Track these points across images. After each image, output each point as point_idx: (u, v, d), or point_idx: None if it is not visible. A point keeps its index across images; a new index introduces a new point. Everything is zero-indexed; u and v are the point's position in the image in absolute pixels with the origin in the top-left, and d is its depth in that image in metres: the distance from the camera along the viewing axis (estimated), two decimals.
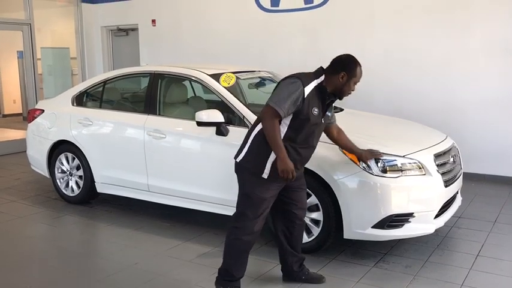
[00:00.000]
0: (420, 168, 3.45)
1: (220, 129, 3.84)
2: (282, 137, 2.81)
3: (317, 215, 3.53)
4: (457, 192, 4.02)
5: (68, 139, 4.87)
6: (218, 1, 7.57)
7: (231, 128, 3.87)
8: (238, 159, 2.96)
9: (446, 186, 3.59)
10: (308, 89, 2.80)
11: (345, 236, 3.45)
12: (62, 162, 5.01)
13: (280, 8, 7.01)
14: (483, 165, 5.75)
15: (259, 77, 4.83)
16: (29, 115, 5.42)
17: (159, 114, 4.39)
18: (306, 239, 3.50)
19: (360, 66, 2.89)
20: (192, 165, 4.11)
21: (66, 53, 9.66)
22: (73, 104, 5.01)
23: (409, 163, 3.42)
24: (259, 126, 2.87)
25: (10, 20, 8.03)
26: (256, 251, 3.64)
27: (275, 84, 4.70)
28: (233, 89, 4.25)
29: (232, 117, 3.94)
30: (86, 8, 8.91)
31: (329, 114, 3.02)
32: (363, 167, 3.35)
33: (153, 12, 8.28)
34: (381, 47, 6.23)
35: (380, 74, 6.03)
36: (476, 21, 5.65)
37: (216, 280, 3.04)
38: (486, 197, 5.15)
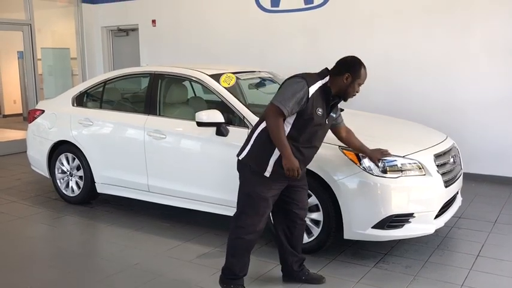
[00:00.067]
0: (420, 168, 3.45)
1: (220, 130, 3.84)
2: (285, 136, 2.81)
3: (317, 215, 3.53)
4: (457, 193, 4.02)
5: (68, 139, 4.88)
6: (218, 1, 7.58)
7: (231, 128, 3.87)
8: (240, 157, 2.97)
9: (446, 186, 3.59)
10: (312, 89, 2.81)
11: (345, 237, 3.45)
12: (62, 163, 5.01)
13: (280, 8, 7.01)
14: (483, 166, 5.74)
15: (260, 78, 4.84)
16: (29, 115, 5.42)
17: (159, 115, 4.39)
18: (306, 239, 3.50)
19: (365, 67, 2.90)
20: (192, 165, 4.11)
21: (67, 53, 9.66)
22: (73, 105, 5.01)
23: (409, 163, 3.42)
24: (263, 125, 2.88)
25: (10, 20, 8.04)
26: (256, 251, 3.64)
27: (275, 85, 4.77)
28: (233, 90, 4.25)
29: (232, 118, 3.94)
30: (86, 9, 8.92)
31: (334, 115, 3.03)
32: (363, 167, 3.35)
33: (153, 13, 8.28)
34: (381, 47, 6.23)
35: (380, 74, 6.03)
36: (476, 21, 5.65)
37: (220, 279, 3.06)
38: (486, 197, 5.15)
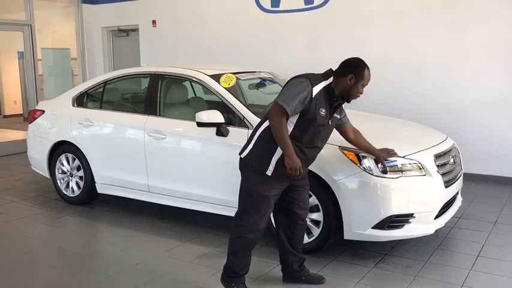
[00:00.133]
0: (420, 168, 3.45)
1: (221, 130, 3.84)
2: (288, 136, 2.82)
3: (317, 216, 3.53)
4: (458, 193, 4.02)
5: (68, 140, 4.88)
6: (218, 2, 7.58)
7: (231, 128, 3.87)
8: (242, 155, 2.98)
9: (446, 186, 3.58)
10: (316, 89, 2.82)
11: (345, 237, 3.45)
12: (62, 163, 5.01)
13: (280, 8, 7.01)
14: (483, 166, 5.74)
15: (260, 78, 4.84)
16: (30, 116, 5.42)
17: (160, 115, 4.39)
18: (306, 239, 3.50)
19: (368, 69, 2.91)
20: (192, 165, 4.11)
21: (67, 53, 9.67)
22: (73, 105, 5.01)
23: (409, 164, 3.42)
24: (266, 124, 2.89)
25: (11, 20, 8.04)
26: (256, 251, 3.64)
27: (275, 85, 4.77)
28: (233, 90, 4.25)
29: (232, 118, 3.94)
30: (87, 9, 8.93)
31: (338, 116, 3.03)
32: (363, 167, 3.35)
33: (154, 13, 8.29)
34: (381, 48, 6.23)
35: (380, 75, 6.00)
36: (476, 21, 5.65)
37: (222, 277, 3.07)
38: (486, 197, 5.15)
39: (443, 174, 3.57)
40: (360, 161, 3.37)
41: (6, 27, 7.98)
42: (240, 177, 3.03)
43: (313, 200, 3.50)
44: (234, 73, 4.34)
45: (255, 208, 2.92)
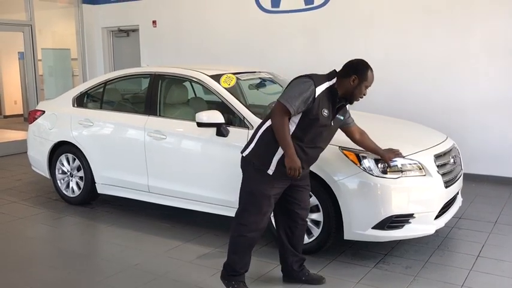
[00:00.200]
0: (420, 169, 3.45)
1: (221, 130, 3.84)
2: (290, 135, 2.82)
3: (317, 216, 3.53)
4: (458, 193, 4.01)
5: (68, 140, 4.88)
6: (218, 2, 7.58)
7: (231, 128, 3.87)
8: (244, 154, 2.98)
9: (446, 187, 3.58)
10: (319, 90, 2.82)
11: (345, 237, 3.45)
12: (62, 163, 5.02)
13: (280, 8, 7.01)
14: (484, 166, 5.74)
15: (260, 78, 4.84)
16: (30, 116, 5.43)
17: (160, 115, 4.39)
18: (306, 239, 3.50)
19: (372, 70, 2.91)
20: (192, 166, 4.11)
21: (67, 54, 9.67)
22: (74, 105, 5.02)
23: (409, 164, 3.42)
24: (268, 123, 2.90)
25: (11, 21, 8.05)
26: (256, 251, 3.64)
27: (275, 85, 4.77)
28: (233, 90, 4.26)
29: (232, 118, 3.94)
30: (87, 9, 8.93)
31: (341, 117, 3.03)
32: (363, 167, 3.35)
33: (154, 13, 8.29)
34: (381, 48, 6.23)
35: (380, 75, 5.94)
36: (476, 21, 5.65)
37: (222, 274, 3.08)
38: (487, 197, 5.15)
39: (443, 175, 3.57)
40: (360, 161, 3.37)
41: (6, 28, 7.99)
42: (241, 178, 3.04)
43: (313, 200, 3.50)
44: (234, 73, 4.34)
45: (255, 207, 2.92)
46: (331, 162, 3.40)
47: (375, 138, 3.36)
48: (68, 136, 4.88)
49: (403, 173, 3.38)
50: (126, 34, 8.98)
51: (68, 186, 5.02)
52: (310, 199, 3.46)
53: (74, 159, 4.91)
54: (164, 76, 4.51)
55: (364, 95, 2.94)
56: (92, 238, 4.35)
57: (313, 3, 6.71)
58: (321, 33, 6.69)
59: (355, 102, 3.00)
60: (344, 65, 2.95)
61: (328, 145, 3.31)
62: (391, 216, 3.34)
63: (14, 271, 3.51)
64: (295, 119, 2.84)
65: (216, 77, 4.19)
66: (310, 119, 2.83)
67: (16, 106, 11.33)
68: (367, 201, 3.35)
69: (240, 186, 3.04)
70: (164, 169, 4.29)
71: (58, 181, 5.07)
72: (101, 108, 4.96)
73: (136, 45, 8.64)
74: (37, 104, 6.49)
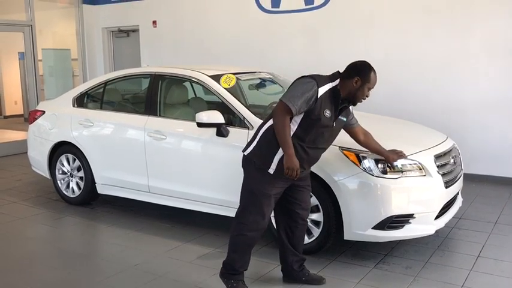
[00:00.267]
0: (420, 169, 3.45)
1: (221, 130, 3.84)
2: (291, 135, 2.83)
3: (317, 216, 3.53)
4: (458, 193, 4.01)
5: (68, 140, 4.88)
6: (219, 2, 7.58)
7: (231, 129, 3.87)
8: (246, 152, 2.99)
9: (446, 187, 3.58)
10: (322, 90, 2.83)
11: (345, 237, 3.44)
12: (62, 164, 5.02)
13: (280, 8, 7.02)
14: (484, 166, 5.74)
15: (260, 78, 4.83)
16: (30, 116, 5.43)
17: (160, 116, 4.39)
18: (306, 240, 3.49)
19: (375, 72, 2.92)
20: (192, 166, 4.11)
21: (67, 54, 9.68)
22: (74, 105, 5.02)
23: (410, 164, 3.42)
24: (270, 122, 2.91)
25: (11, 21, 8.05)
26: (257, 252, 3.64)
27: (275, 85, 4.77)
28: (233, 90, 4.26)
29: (232, 118, 3.94)
30: (87, 10, 8.93)
31: (344, 119, 3.04)
32: (363, 168, 3.35)
33: (154, 14, 8.29)
34: (381, 48, 6.23)
35: (380, 75, 5.90)
36: (476, 21, 5.65)
37: (221, 272, 3.09)
38: (487, 198, 5.14)
39: (443, 175, 3.57)
40: (360, 161, 3.37)
41: (7, 28, 7.99)
42: (241, 178, 3.04)
43: (314, 201, 3.50)
44: (234, 73, 4.34)
45: (255, 206, 2.93)
46: (331, 162, 3.40)
47: (375, 139, 3.36)
48: (68, 136, 4.88)
49: (403, 173, 3.38)
50: (126, 34, 8.98)
51: (68, 186, 5.02)
52: (310, 199, 3.47)
53: (74, 160, 4.91)
54: (164, 76, 4.51)
55: (367, 96, 2.95)
56: (92, 238, 4.35)
57: (313, 3, 6.71)
58: (321, 33, 6.69)
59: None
60: (347, 67, 2.95)
61: None
62: (391, 217, 3.34)
63: (14, 271, 3.51)
64: (297, 119, 2.85)
65: (216, 77, 4.19)
66: (312, 119, 2.83)
67: (16, 106, 11.33)
68: (367, 201, 3.35)
69: (240, 186, 3.04)
70: (164, 169, 4.29)
71: (58, 181, 5.07)
72: (101, 108, 4.96)
73: (136, 46, 8.65)
74: (37, 104, 6.49)
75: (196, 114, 3.84)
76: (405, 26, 6.08)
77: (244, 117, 3.85)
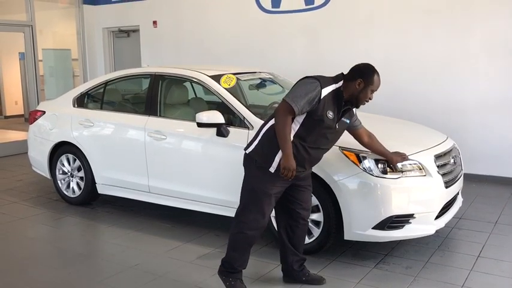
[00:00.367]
0: (420, 169, 3.45)
1: (221, 131, 3.85)
2: (293, 134, 2.85)
3: (317, 216, 3.53)
4: (458, 193, 4.01)
5: (69, 140, 4.89)
6: (219, 2, 7.59)
7: (231, 129, 3.87)
8: (247, 151, 3.00)
9: (446, 187, 3.58)
10: (325, 91, 2.83)
11: (346, 237, 3.45)
12: (63, 164, 5.02)
13: (281, 9, 7.02)
14: (484, 166, 5.74)
15: (260, 78, 4.84)
16: (31, 116, 5.43)
17: (160, 116, 4.40)
18: (306, 240, 3.49)
19: (378, 75, 2.92)
20: (192, 166, 4.12)
21: (68, 54, 9.68)
22: (74, 106, 5.02)
23: (410, 164, 3.42)
24: (273, 121, 2.91)
25: (12, 21, 8.06)
26: (256, 251, 3.65)
27: (276, 86, 4.77)
28: (234, 90, 4.26)
29: (232, 119, 3.94)
30: (87, 10, 8.94)
31: (347, 121, 3.04)
32: (363, 168, 3.35)
33: (154, 14, 8.29)
34: (381, 48, 6.23)
35: (380, 75, 6.02)
36: (476, 21, 5.65)
37: (220, 270, 3.09)
38: (487, 198, 5.14)
39: (443, 175, 3.57)
40: (360, 161, 3.37)
41: (7, 28, 8.00)
42: (241, 178, 3.04)
43: (314, 201, 3.49)
44: (234, 73, 4.34)
45: (256, 205, 2.94)
46: (331, 162, 3.40)
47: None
48: (69, 136, 4.88)
49: (403, 173, 3.39)
50: (127, 34, 8.99)
51: (68, 186, 5.02)
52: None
53: (75, 160, 4.92)
54: (164, 76, 4.52)
55: (370, 99, 2.94)
56: (92, 238, 4.35)
57: (313, 4, 6.72)
58: (321, 33, 6.69)
59: None
60: (350, 69, 2.96)
61: None
62: (391, 217, 3.34)
63: (14, 271, 3.51)
64: (299, 119, 2.86)
65: (216, 78, 4.19)
66: (314, 119, 2.84)
67: (17, 106, 11.33)
68: (367, 201, 3.35)
69: (240, 186, 3.05)
70: (164, 169, 4.29)
71: (59, 181, 5.08)
72: (101, 108, 4.97)
73: (136, 46, 8.65)
74: (38, 104, 6.49)
75: (197, 115, 3.84)
76: (405, 26, 6.08)
77: (244, 117, 3.85)
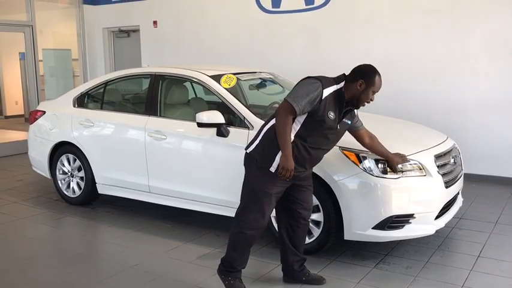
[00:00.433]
0: (421, 169, 3.45)
1: (221, 131, 3.85)
2: (294, 134, 2.85)
3: (317, 216, 3.53)
4: (458, 193, 4.01)
5: (69, 140, 4.89)
6: (219, 2, 7.59)
7: (231, 129, 3.87)
8: (248, 150, 3.00)
9: (447, 187, 3.58)
10: (327, 92, 2.83)
11: (346, 237, 3.45)
12: (63, 164, 5.02)
13: (281, 9, 7.02)
14: (484, 166, 5.74)
15: (260, 78, 4.84)
16: (31, 116, 5.43)
17: (160, 116, 4.40)
18: (306, 240, 3.49)
19: (380, 76, 2.92)
20: (192, 166, 4.12)
21: (68, 54, 9.68)
22: (74, 106, 5.02)
23: (410, 164, 3.42)
24: (273, 121, 2.92)
25: (12, 21, 8.06)
26: (256, 252, 3.65)
27: (276, 86, 4.77)
28: (234, 90, 4.26)
29: (232, 119, 3.94)
30: (88, 10, 8.94)
31: (348, 122, 3.04)
32: (363, 168, 3.35)
33: (155, 14, 8.30)
34: (381, 48, 6.23)
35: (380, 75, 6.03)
36: (476, 21, 5.65)
37: (219, 269, 3.10)
38: (487, 198, 5.14)
39: (443, 175, 3.57)
40: (360, 161, 3.37)
41: (7, 28, 8.01)
42: (241, 178, 3.05)
43: (314, 201, 3.49)
44: (234, 74, 4.34)
45: (256, 205, 2.94)
46: (331, 162, 3.40)
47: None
48: (69, 136, 4.88)
49: (404, 173, 3.38)
50: (127, 34, 8.99)
51: (68, 186, 5.02)
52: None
53: (75, 160, 4.92)
54: (165, 76, 4.52)
55: (371, 100, 2.94)
56: (92, 238, 4.36)
57: (313, 4, 6.72)
58: (321, 33, 6.69)
59: None
60: (352, 70, 2.96)
61: None
62: (392, 217, 3.34)
63: (15, 271, 3.51)
64: (300, 119, 2.86)
65: (217, 78, 4.19)
66: (315, 120, 2.84)
67: (17, 106, 11.33)
68: (367, 201, 3.35)
69: (240, 186, 3.05)
70: (164, 169, 4.29)
71: (59, 181, 5.08)
72: (101, 108, 4.97)
73: (137, 46, 8.65)
74: (38, 104, 6.50)
75: (197, 114, 3.84)
76: (405, 26, 6.08)
77: (244, 117, 3.85)
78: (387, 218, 3.33)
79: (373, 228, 3.37)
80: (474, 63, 5.71)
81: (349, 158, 3.40)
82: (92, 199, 4.97)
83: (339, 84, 2.91)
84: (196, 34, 7.85)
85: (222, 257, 3.10)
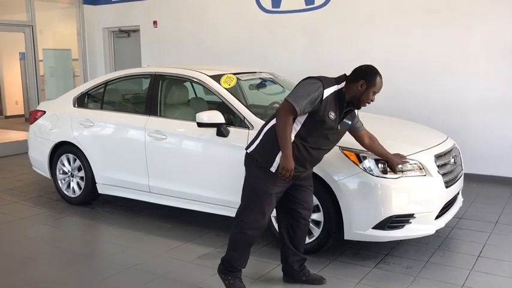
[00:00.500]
0: (421, 169, 3.45)
1: (221, 130, 3.85)
2: (294, 134, 2.85)
3: (318, 216, 3.53)
4: (458, 193, 4.01)
5: (69, 140, 4.89)
6: (219, 2, 7.59)
7: (231, 129, 3.87)
8: (249, 150, 3.00)
9: (447, 187, 3.58)
10: (327, 92, 2.84)
11: (346, 237, 3.45)
12: (63, 164, 5.02)
13: (281, 9, 7.02)
14: (484, 166, 5.74)
15: (260, 78, 4.84)
16: (31, 116, 5.43)
17: (160, 116, 4.40)
18: (306, 239, 3.49)
19: (381, 76, 2.92)
20: (192, 166, 4.12)
21: (68, 54, 9.69)
22: (74, 106, 5.03)
23: (410, 164, 3.42)
24: (274, 121, 2.92)
25: (12, 21, 8.06)
26: (256, 251, 3.65)
27: (276, 86, 4.78)
28: (234, 90, 4.26)
29: (233, 119, 3.94)
30: (88, 10, 8.94)
31: (349, 122, 3.04)
32: (363, 167, 3.35)
33: (155, 14, 8.30)
34: (381, 48, 6.23)
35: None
36: (476, 21, 5.65)
37: (219, 268, 3.10)
38: (487, 197, 5.14)
39: (443, 175, 3.57)
40: (360, 161, 3.37)
41: (7, 28, 8.01)
42: (241, 178, 3.05)
43: (314, 200, 3.49)
44: (234, 73, 4.35)
45: (256, 204, 2.94)
46: (331, 162, 3.40)
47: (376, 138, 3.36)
48: (69, 136, 4.88)
49: (404, 173, 3.39)
50: (127, 34, 8.99)
51: (68, 186, 5.03)
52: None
53: (75, 160, 4.92)
54: (165, 76, 4.52)
55: (372, 100, 2.94)
56: (92, 238, 4.36)
57: (313, 4, 6.72)
58: (321, 33, 6.69)
59: None
60: (353, 70, 2.96)
61: None
62: (392, 216, 3.34)
63: (15, 271, 3.51)
64: (301, 119, 2.86)
65: (217, 77, 4.19)
66: (316, 120, 2.84)
67: (17, 106, 11.33)
68: (367, 201, 3.35)
69: (240, 186, 3.05)
70: (165, 169, 4.29)
71: (59, 181, 5.08)
72: (101, 108, 4.97)
73: (137, 46, 8.65)
74: (38, 104, 6.50)
75: (197, 114, 3.84)
76: (405, 26, 6.08)
77: (244, 117, 3.85)
78: (387, 217, 3.33)
79: (373, 228, 3.37)
80: (474, 63, 5.72)
81: (349, 158, 3.40)
82: (92, 199, 4.97)
83: (339, 84, 2.91)
84: (196, 34, 7.85)
85: (222, 256, 3.10)
